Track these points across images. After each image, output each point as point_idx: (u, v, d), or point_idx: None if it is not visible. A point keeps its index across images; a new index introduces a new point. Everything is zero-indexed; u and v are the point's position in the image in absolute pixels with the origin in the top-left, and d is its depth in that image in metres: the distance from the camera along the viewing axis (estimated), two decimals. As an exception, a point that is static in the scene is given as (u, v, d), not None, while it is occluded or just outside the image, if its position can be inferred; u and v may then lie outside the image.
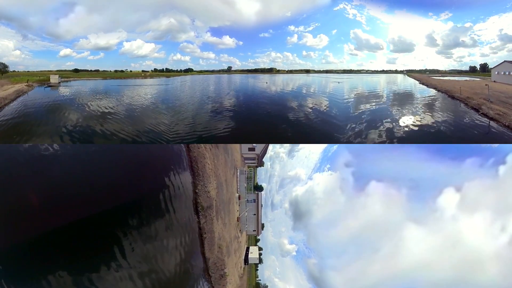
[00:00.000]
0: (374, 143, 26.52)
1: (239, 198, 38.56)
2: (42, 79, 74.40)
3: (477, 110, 37.19)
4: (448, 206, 55.27)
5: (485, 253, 51.74)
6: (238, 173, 39.22)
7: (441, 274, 53.73)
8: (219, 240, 25.04)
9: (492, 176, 51.95)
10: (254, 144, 46.90)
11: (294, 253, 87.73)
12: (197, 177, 20.95)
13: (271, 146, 60.91)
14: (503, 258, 49.83)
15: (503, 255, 49.91)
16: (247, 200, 42.77)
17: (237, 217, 37.08)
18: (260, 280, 73.45)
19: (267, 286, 74.06)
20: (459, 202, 54.61)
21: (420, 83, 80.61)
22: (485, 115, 34.37)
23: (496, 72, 69.87)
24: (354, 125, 30.48)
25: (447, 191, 55.71)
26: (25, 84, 62.28)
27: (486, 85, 48.75)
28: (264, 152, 53.76)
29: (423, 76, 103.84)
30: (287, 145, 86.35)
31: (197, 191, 20.90)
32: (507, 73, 64.44)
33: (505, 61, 69.24)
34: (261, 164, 58.42)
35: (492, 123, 31.32)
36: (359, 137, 26.68)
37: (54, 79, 73.22)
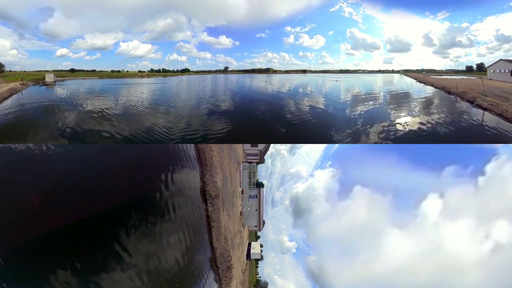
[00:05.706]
0: (374, 143, 26.36)
1: (242, 192, 38.40)
2: (37, 77, 73.12)
3: (471, 102, 38.33)
4: (430, 213, 55.87)
5: (466, 259, 52.23)
6: (241, 168, 39.09)
7: (422, 279, 54.11)
8: (224, 231, 24.85)
9: (473, 183, 52.81)
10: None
11: (294, 250, 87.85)
12: (205, 167, 20.97)
13: (272, 143, 60.68)
14: (484, 265, 50.31)
15: (484, 262, 50.39)
16: (250, 196, 42.65)
17: (240, 211, 36.90)
18: (260, 277, 73.23)
19: (267, 283, 73.77)
20: (441, 209, 55.22)
21: (417, 81, 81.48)
22: (479, 106, 35.53)
23: (492, 71, 70.90)
24: (350, 125, 29.98)
25: (430, 197, 56.38)
26: (19, 82, 61.02)
27: (480, 77, 49.46)
28: (266, 149, 53.69)
29: (419, 75, 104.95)
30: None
31: (205, 180, 20.86)
32: (502, 71, 65.45)
33: (500, 59, 70.38)
34: (262, 161, 58.28)
35: (486, 114, 32.08)
36: (357, 137, 26.23)
37: (49, 77, 71.79)
